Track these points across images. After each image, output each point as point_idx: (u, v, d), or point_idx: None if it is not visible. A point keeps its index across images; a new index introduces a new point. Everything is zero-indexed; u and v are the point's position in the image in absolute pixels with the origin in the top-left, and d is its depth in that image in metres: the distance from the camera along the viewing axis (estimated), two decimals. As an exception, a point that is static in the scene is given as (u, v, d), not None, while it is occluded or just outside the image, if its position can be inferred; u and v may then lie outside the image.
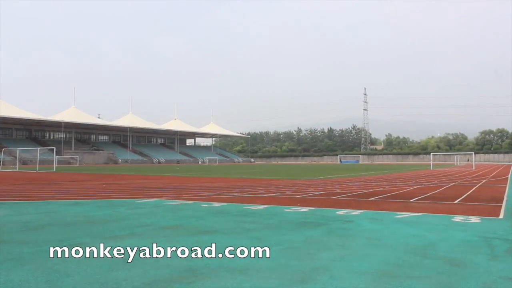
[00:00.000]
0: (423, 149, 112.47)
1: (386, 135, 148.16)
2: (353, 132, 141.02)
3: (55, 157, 49.58)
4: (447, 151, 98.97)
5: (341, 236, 5.53)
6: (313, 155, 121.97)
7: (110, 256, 4.33)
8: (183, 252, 4.55)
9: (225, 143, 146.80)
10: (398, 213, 7.70)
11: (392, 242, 5.07)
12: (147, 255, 4.39)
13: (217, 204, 9.15)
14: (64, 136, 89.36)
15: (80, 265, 3.97)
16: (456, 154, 76.56)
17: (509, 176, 23.73)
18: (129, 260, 4.17)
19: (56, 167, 42.84)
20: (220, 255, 4.39)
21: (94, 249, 4.68)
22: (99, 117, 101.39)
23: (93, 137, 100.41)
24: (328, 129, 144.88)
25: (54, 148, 43.99)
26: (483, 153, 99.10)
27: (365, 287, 3.38)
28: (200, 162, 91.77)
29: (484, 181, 18.77)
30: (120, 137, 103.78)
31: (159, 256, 4.36)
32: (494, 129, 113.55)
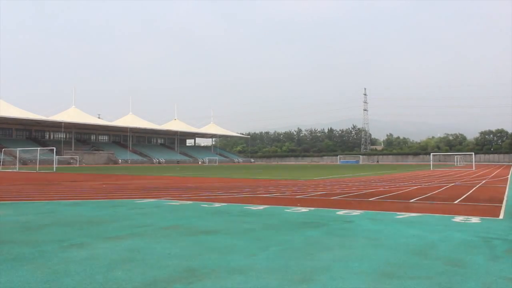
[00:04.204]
0: (423, 149, 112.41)
1: (386, 135, 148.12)
2: (353, 132, 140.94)
3: (55, 157, 49.59)
4: (447, 151, 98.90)
5: (341, 236, 5.52)
6: (313, 155, 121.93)
7: (110, 256, 4.33)
8: (183, 252, 4.55)
9: (225, 144, 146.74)
10: (398, 213, 7.70)
11: (392, 243, 5.07)
12: (147, 255, 4.39)
13: (217, 204, 9.15)
14: (64, 136, 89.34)
15: (80, 265, 3.97)
16: (456, 154, 76.52)
17: (509, 176, 23.73)
18: (129, 260, 4.18)
19: (56, 167, 42.85)
20: (220, 255, 4.39)
21: (94, 249, 4.69)
22: (99, 117, 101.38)
23: (93, 137, 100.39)
24: (328, 129, 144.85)
25: (54, 148, 43.98)
26: (483, 153, 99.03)
27: None
28: (200, 163, 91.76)
29: (484, 181, 18.76)
30: (120, 137, 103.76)
31: (159, 256, 4.36)
32: (493, 129, 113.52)
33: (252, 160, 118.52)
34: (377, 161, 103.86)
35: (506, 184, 16.50)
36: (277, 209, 8.42)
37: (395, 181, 18.40)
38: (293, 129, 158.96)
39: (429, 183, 16.99)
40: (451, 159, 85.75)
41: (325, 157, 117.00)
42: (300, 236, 5.54)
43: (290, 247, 4.82)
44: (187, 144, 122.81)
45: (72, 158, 72.51)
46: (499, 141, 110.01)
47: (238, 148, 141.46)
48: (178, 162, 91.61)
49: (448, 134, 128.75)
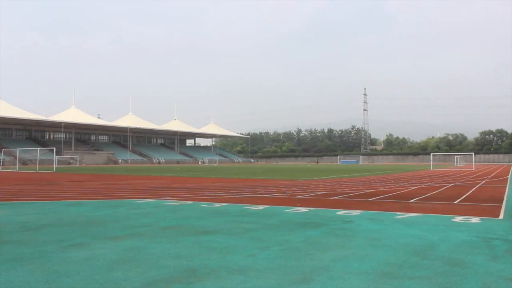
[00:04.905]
0: (423, 149, 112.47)
1: (386, 135, 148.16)
2: (353, 132, 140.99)
3: (55, 158, 49.60)
4: (447, 151, 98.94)
5: (341, 236, 5.52)
6: (313, 155, 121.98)
7: (110, 256, 4.33)
8: (183, 252, 4.55)
9: (225, 144, 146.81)
10: (398, 213, 7.70)
11: (392, 243, 5.07)
12: (147, 255, 4.39)
13: (217, 205, 9.15)
14: (64, 137, 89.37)
15: (80, 265, 3.97)
16: (456, 154, 76.49)
17: (509, 176, 23.74)
18: (129, 260, 4.18)
19: (56, 167, 42.85)
20: (220, 255, 4.39)
21: (94, 249, 4.69)
22: (99, 117, 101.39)
23: (93, 137, 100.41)
24: (328, 129, 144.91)
25: (54, 148, 43.97)
26: (483, 153, 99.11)
27: (365, 288, 3.38)
28: (200, 163, 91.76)
29: (484, 181, 18.77)
30: (120, 137, 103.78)
31: (159, 256, 4.36)
32: (493, 129, 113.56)
33: (252, 160, 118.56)
34: (372, 161, 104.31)
35: (506, 184, 16.50)
36: (277, 209, 8.42)
37: (395, 181, 18.41)
38: (293, 129, 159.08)
39: (429, 183, 16.99)
40: (451, 159, 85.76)
41: (325, 157, 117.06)
42: (300, 236, 5.54)
43: (290, 247, 4.82)
44: (187, 144, 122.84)
45: (72, 158, 72.52)
46: (499, 141, 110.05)
47: (238, 148, 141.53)
48: (178, 162, 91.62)
49: (448, 134, 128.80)
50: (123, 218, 7.21)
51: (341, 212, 7.82)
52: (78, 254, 4.45)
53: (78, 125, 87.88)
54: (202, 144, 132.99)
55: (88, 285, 3.40)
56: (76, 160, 69.61)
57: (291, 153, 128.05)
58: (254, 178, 21.52)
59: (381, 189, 13.81)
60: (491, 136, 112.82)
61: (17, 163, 50.39)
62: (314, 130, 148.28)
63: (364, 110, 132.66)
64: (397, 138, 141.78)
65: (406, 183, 16.96)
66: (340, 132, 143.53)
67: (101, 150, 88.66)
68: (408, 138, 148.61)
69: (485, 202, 9.78)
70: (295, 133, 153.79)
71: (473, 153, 59.29)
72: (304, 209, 8.27)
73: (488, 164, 73.57)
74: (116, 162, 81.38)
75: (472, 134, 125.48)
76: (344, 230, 6.00)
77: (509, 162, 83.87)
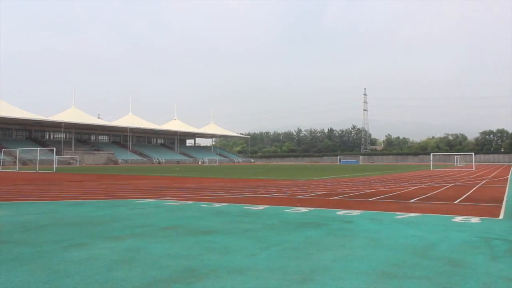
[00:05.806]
0: (423, 149, 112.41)
1: (386, 136, 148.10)
2: (353, 132, 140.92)
3: (55, 158, 49.58)
4: (447, 151, 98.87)
5: (341, 236, 5.52)
6: (313, 155, 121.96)
7: (110, 256, 4.33)
8: (183, 252, 4.55)
9: (225, 144, 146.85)
10: (398, 213, 7.70)
11: (392, 243, 5.07)
12: (147, 255, 4.39)
13: (217, 205, 9.15)
14: (64, 137, 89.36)
15: (80, 265, 3.97)
16: (456, 154, 76.41)
17: (509, 176, 23.73)
18: (129, 260, 4.18)
19: (56, 167, 42.83)
20: (220, 255, 4.39)
21: (94, 249, 4.70)
22: (99, 117, 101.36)
23: (93, 137, 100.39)
24: (328, 129, 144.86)
25: (54, 148, 43.96)
26: (483, 153, 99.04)
27: (365, 288, 3.38)
28: (200, 163, 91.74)
29: (484, 181, 18.77)
30: (120, 137, 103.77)
31: (159, 256, 4.36)
32: (494, 129, 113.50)
33: (252, 160, 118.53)
34: (372, 161, 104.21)
35: (506, 184, 16.50)
36: (277, 209, 8.42)
37: (395, 181, 18.41)
38: (293, 129, 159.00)
39: (429, 183, 16.99)
40: (451, 159, 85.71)
41: (325, 157, 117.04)
42: (300, 236, 5.54)
43: (290, 247, 4.82)
44: (187, 144, 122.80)
45: (72, 158, 72.52)
46: (499, 141, 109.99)
47: (238, 148, 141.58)
48: (178, 162, 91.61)
49: (448, 134, 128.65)
50: (123, 218, 7.21)
51: (341, 212, 7.82)
52: (78, 254, 4.45)
53: (78, 125, 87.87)
54: (202, 144, 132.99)
55: (88, 285, 3.40)
56: (76, 160, 69.61)
57: (291, 153, 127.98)
58: (254, 178, 21.52)
59: (381, 189, 13.80)
60: (492, 136, 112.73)
61: (17, 163, 50.38)
62: (314, 130, 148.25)
63: (364, 110, 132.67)
64: (397, 138, 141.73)
65: (406, 183, 16.96)
66: (340, 132, 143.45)
67: (101, 150, 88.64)
68: (408, 138, 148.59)
69: (485, 202, 9.78)
70: (295, 133, 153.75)
71: (473, 153, 59.25)
72: (304, 209, 8.27)
73: (488, 164, 73.56)
74: (116, 162, 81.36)
75: (472, 134, 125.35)
76: (344, 230, 6.00)
77: (509, 162, 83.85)
